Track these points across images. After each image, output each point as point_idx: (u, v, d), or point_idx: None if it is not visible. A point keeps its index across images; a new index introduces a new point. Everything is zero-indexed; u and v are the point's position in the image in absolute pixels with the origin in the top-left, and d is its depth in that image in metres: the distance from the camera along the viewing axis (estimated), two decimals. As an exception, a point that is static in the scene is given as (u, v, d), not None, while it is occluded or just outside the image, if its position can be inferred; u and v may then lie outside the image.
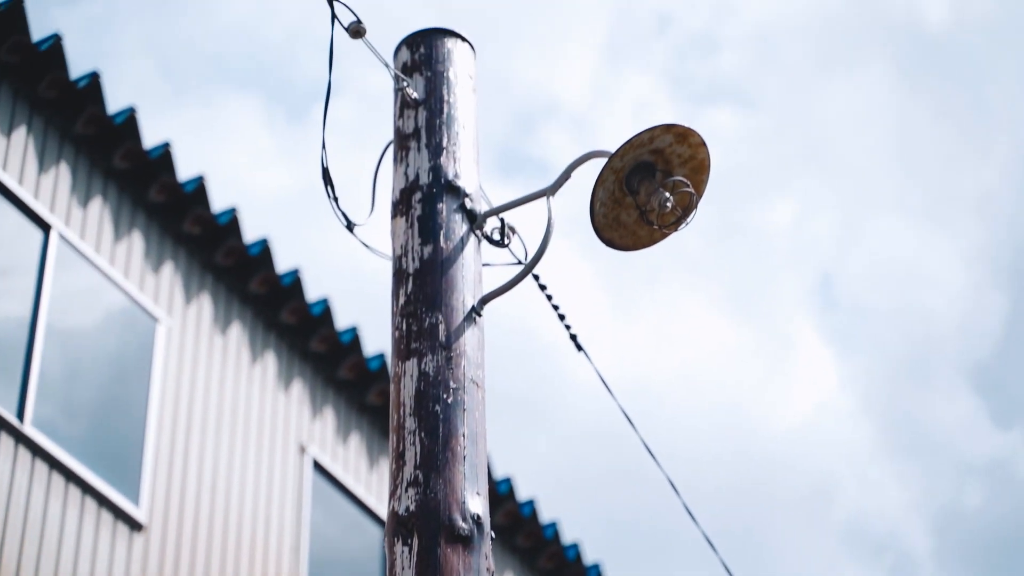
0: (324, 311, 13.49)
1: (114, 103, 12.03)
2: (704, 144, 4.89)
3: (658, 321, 31.35)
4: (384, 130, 5.30)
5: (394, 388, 4.73)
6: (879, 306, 32.54)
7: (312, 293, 13.46)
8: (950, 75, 32.18)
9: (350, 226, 5.17)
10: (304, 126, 31.25)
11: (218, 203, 12.79)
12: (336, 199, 5.13)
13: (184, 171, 12.48)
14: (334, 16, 5.08)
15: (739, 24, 31.89)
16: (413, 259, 4.92)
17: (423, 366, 4.71)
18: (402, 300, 4.87)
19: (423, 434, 4.59)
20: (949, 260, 32.62)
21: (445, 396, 4.66)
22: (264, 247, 12.95)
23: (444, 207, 5.01)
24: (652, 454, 6.31)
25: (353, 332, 13.76)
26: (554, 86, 30.87)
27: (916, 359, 32.47)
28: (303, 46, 30.63)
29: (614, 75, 32.44)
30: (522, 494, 15.49)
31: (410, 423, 4.63)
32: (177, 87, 30.19)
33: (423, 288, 4.85)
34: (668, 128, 4.84)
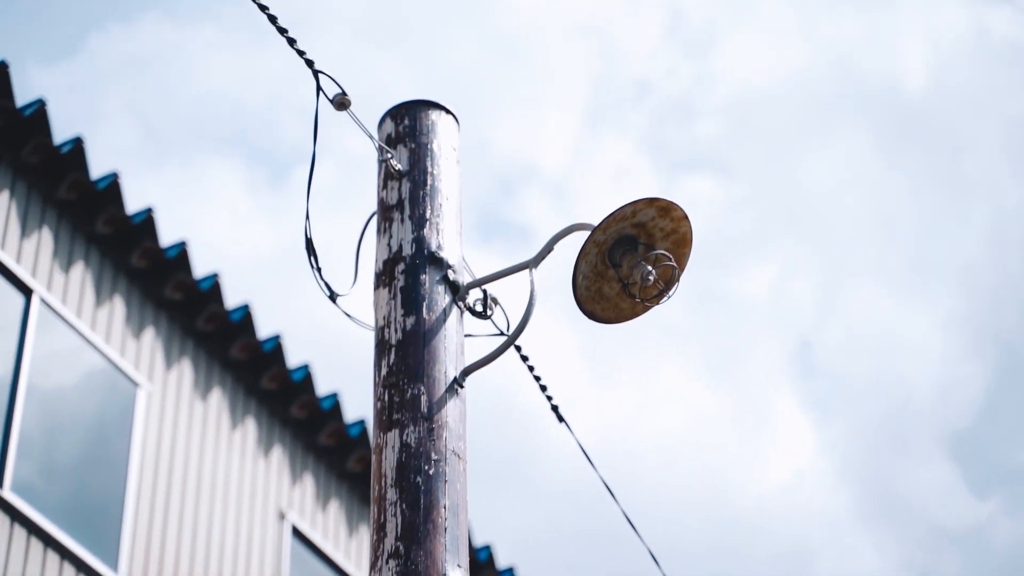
0: (305, 377, 13.48)
1: (95, 164, 12.07)
2: (687, 218, 4.92)
3: (637, 386, 31.37)
4: (365, 194, 5.32)
5: (376, 459, 4.73)
6: (857, 373, 32.60)
7: (293, 358, 13.45)
8: (929, 143, 32.37)
9: (333, 297, 5.18)
10: (285, 189, 31.33)
11: (199, 267, 12.81)
12: (319, 270, 5.14)
13: (165, 235, 12.52)
14: (319, 88, 5.11)
15: (717, 92, 32.09)
16: (396, 330, 4.93)
17: (405, 437, 4.71)
18: (384, 371, 4.87)
19: (404, 505, 4.59)
20: (928, 328, 32.71)
21: (427, 467, 4.66)
22: (245, 313, 12.95)
23: (427, 278, 5.02)
24: (630, 521, 6.31)
25: (334, 398, 13.75)
26: (533, 151, 31.01)
27: (894, 427, 32.50)
28: (284, 110, 30.73)
29: (593, 141, 32.59)
30: (501, 561, 15.45)
31: (391, 494, 4.62)
32: (158, 149, 30.26)
33: (405, 359, 4.86)
34: (651, 202, 4.87)
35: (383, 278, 5.07)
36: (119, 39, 30.33)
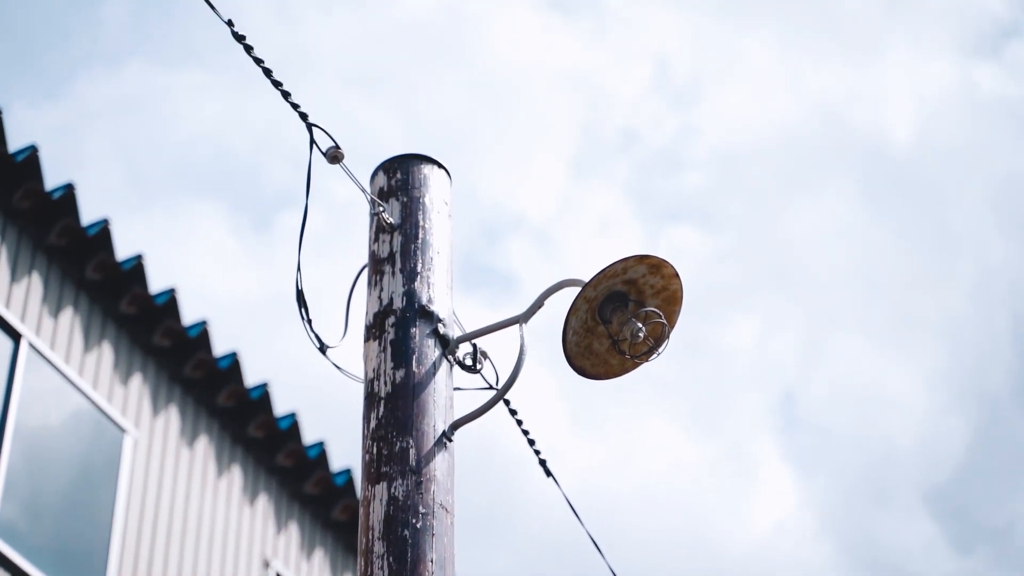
0: (291, 426, 13.47)
1: (81, 208, 12.06)
2: (677, 276, 4.94)
3: (620, 435, 31.35)
4: (352, 240, 5.34)
5: (363, 512, 4.74)
6: (840, 426, 32.61)
7: (280, 406, 13.45)
8: (914, 197, 32.48)
9: (323, 349, 5.19)
10: (270, 233, 31.34)
11: (185, 312, 12.81)
12: (310, 321, 5.16)
13: (152, 280, 12.51)
14: (312, 140, 5.13)
15: (703, 143, 32.20)
16: (385, 383, 4.94)
17: (393, 490, 4.72)
18: (373, 424, 4.88)
19: (391, 559, 4.60)
20: (911, 383, 32.75)
21: (414, 521, 4.66)
22: (233, 361, 12.95)
23: (417, 332, 5.04)
24: (614, 572, 6.31)
25: (320, 447, 13.73)
26: (519, 198, 31.08)
27: (876, 481, 32.50)
28: (270, 154, 30.80)
29: (579, 190, 32.67)
30: (486, 613, 15.42)
31: (379, 547, 4.63)
32: (143, 193, 30.28)
33: (394, 412, 4.87)
34: (642, 259, 4.89)
35: (373, 331, 5.09)
36: (105, 82, 30.40)
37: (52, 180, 11.84)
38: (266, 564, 13.14)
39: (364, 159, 5.47)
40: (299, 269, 5.15)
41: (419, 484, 4.73)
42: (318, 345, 5.19)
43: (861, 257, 31.70)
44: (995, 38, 31.49)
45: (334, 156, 5.14)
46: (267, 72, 5.02)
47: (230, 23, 4.96)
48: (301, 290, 5.14)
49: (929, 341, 32.82)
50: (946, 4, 31.53)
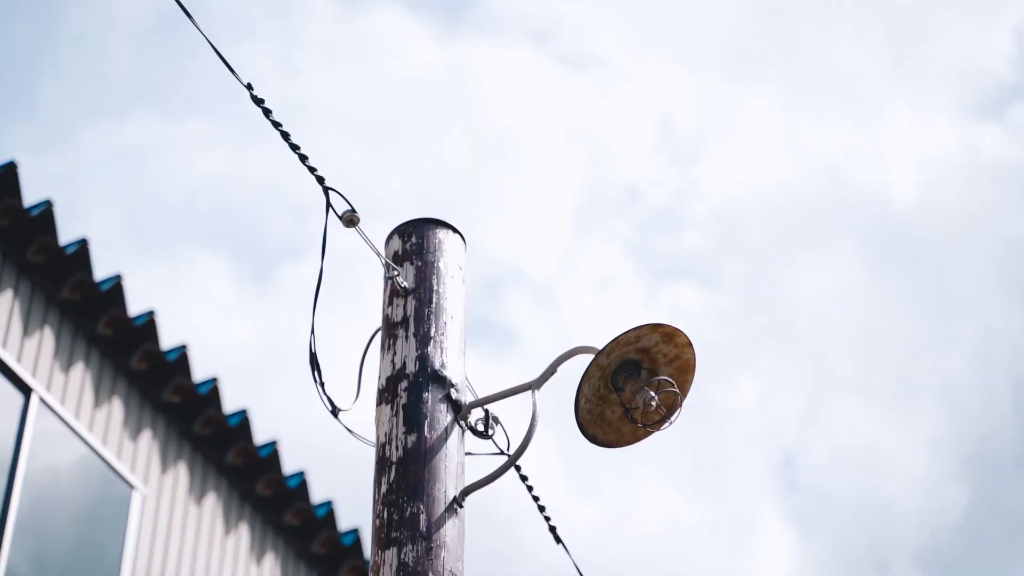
0: (300, 484, 13.45)
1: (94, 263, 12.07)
2: (690, 344, 4.95)
3: (618, 493, 31.25)
4: (359, 287, 5.34)
5: (373, 576, 4.74)
6: (839, 490, 32.50)
7: (288, 463, 13.43)
8: (916, 259, 32.48)
9: (335, 412, 5.19)
10: (272, 285, 31.35)
11: (194, 367, 12.81)
12: (323, 384, 5.16)
13: (162, 334, 12.53)
14: (328, 204, 5.15)
15: (705, 201, 32.24)
16: (397, 447, 4.94)
17: (403, 556, 4.71)
18: (384, 488, 4.88)
19: (400, 625, 4.59)
20: (911, 447, 32.66)
21: (423, 587, 4.66)
22: (243, 419, 12.95)
23: (429, 396, 5.05)
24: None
25: (328, 506, 13.71)
26: (520, 251, 31.10)
27: (875, 545, 32.35)
28: (272, 205, 30.86)
29: (580, 245, 32.70)
30: (491, 676, 15.34)
31: (387, 613, 4.62)
32: (145, 242, 30.31)
33: (405, 477, 4.87)
34: (655, 327, 4.90)
35: (386, 395, 5.09)
36: (108, 132, 30.51)
37: (71, 237, 11.88)
38: (272, 623, 13.11)
39: (366, 212, 5.46)
40: (312, 331, 5.16)
41: (429, 550, 4.73)
42: (330, 408, 5.19)
43: (862, 318, 31.68)
44: (998, 100, 31.57)
45: (350, 220, 5.15)
46: (285, 136, 5.05)
47: (249, 86, 4.99)
48: (314, 353, 5.15)
49: (930, 405, 32.75)
50: (949, 65, 31.63)
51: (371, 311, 5.45)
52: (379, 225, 5.56)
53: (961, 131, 31.60)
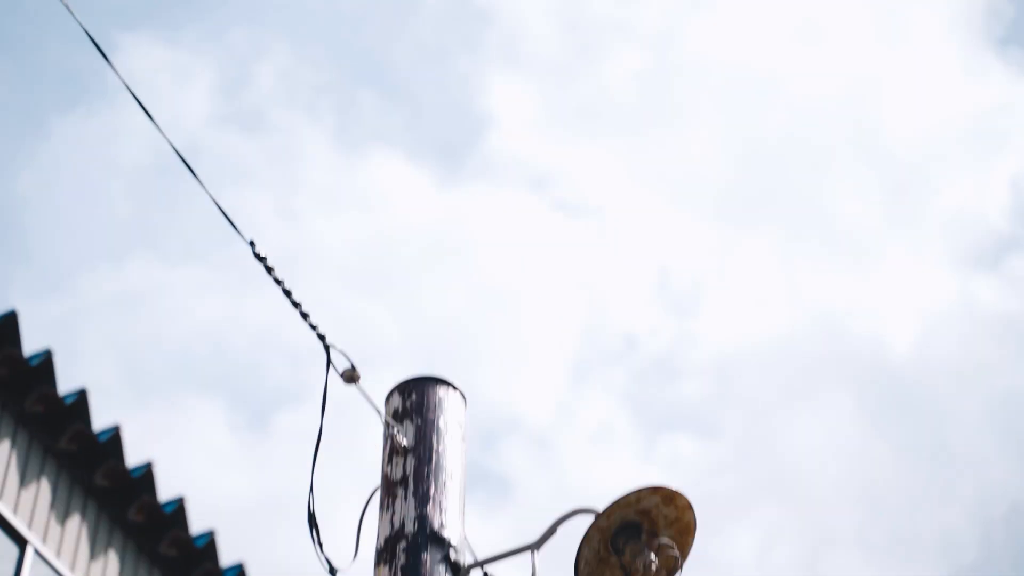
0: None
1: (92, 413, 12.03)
2: (691, 507, 4.92)
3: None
4: (354, 443, 5.32)
5: None
6: (838, 644, 32.17)
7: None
8: (914, 412, 32.39)
9: (333, 572, 5.15)
10: (267, 432, 31.23)
11: (192, 517, 12.72)
12: (321, 544, 5.12)
13: (158, 484, 12.45)
14: (329, 361, 5.15)
15: (702, 351, 32.24)
16: (395, 609, 4.89)
17: None
18: (381, 650, 4.83)
19: None
20: (909, 601, 32.35)
21: None
22: (239, 573, 12.84)
23: (428, 557, 5.00)
24: None
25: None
26: (517, 400, 31.03)
27: None
28: (268, 352, 30.84)
29: (577, 394, 32.65)
30: None
31: None
32: (140, 388, 30.26)
33: (403, 639, 4.81)
34: (655, 490, 4.88)
35: (384, 555, 5.05)
36: (106, 277, 30.59)
37: (70, 388, 11.87)
38: None
39: (363, 361, 5.44)
40: (311, 491, 5.13)
41: None
42: (328, 568, 5.15)
43: (860, 471, 31.54)
44: (995, 251, 31.70)
45: (350, 377, 5.15)
46: (287, 293, 5.06)
47: (252, 244, 5.01)
48: (313, 512, 5.12)
49: (928, 557, 32.51)
50: (946, 216, 31.80)
51: (370, 462, 5.42)
52: (376, 373, 5.53)
53: (958, 282, 31.72)
